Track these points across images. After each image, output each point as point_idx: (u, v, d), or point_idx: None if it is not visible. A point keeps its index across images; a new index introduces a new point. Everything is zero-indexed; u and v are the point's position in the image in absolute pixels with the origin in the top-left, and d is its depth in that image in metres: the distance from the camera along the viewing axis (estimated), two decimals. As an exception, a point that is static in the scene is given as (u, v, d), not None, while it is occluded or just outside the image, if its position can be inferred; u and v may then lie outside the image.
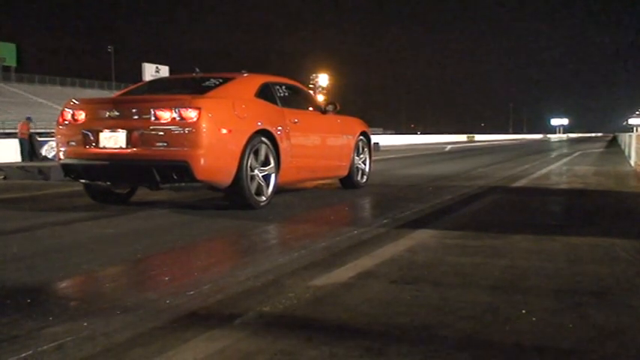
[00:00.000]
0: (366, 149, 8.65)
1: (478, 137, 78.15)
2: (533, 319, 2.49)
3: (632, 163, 12.38)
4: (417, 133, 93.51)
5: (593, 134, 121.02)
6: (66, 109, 6.18)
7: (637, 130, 56.71)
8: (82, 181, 6.34)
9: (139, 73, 77.81)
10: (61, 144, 6.23)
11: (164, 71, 76.77)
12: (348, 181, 8.31)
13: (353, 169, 8.24)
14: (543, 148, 32.48)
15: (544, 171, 12.03)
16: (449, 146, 35.54)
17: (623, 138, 24.93)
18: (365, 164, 8.65)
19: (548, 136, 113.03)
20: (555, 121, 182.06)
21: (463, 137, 70.42)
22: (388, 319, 2.50)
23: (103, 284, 3.28)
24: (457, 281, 3.13)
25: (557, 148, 30.56)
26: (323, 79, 72.92)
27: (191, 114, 5.54)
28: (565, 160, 17.15)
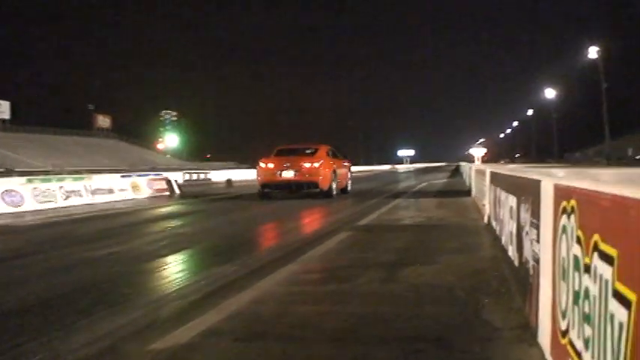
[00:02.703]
0: (349, 174, 18.46)
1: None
2: (373, 372, 2.51)
3: (473, 194, 13.16)
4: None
5: (437, 164, 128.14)
6: (261, 162, 15.86)
7: (476, 161, 60.65)
8: (267, 190, 15.83)
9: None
10: (261, 175, 15.76)
11: (5, 107, 71.45)
12: (344, 191, 17.50)
13: (347, 185, 17.98)
14: (391, 179, 33.78)
15: (390, 206, 12.46)
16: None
17: (464, 168, 26.69)
18: (348, 182, 18.28)
19: (396, 166, 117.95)
20: (402, 152, 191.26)
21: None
22: (229, 384, 2.42)
23: None
24: (301, 334, 3.11)
25: (404, 180, 31.85)
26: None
27: (317, 164, 15.44)
28: (412, 191, 18.05)
